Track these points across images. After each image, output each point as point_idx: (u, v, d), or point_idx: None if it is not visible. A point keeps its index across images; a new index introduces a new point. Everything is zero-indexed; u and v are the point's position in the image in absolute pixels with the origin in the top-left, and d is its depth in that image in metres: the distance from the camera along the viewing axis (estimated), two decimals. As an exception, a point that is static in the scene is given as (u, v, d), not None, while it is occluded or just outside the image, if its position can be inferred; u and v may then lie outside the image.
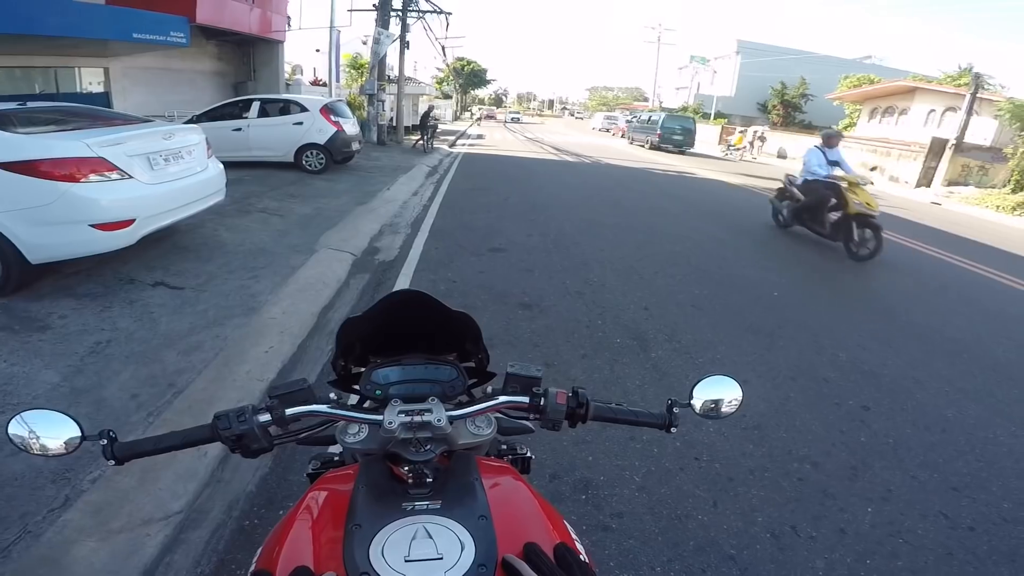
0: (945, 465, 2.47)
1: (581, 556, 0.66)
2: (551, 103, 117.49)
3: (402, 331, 0.99)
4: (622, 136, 29.69)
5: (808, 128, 29.66)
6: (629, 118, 30.25)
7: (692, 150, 22.90)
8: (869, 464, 2.43)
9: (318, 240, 5.16)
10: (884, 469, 2.41)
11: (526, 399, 0.85)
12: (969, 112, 14.70)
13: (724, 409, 0.90)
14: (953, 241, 8.08)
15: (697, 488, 2.19)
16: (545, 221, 7.00)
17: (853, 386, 3.16)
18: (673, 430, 0.87)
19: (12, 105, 4.02)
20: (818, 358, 3.49)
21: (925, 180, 15.35)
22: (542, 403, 0.83)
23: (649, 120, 24.05)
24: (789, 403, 2.91)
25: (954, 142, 14.74)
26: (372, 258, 5.08)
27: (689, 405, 0.90)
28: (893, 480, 2.33)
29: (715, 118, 33.18)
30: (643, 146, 23.77)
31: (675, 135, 21.89)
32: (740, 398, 0.91)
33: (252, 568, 0.69)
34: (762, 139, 23.16)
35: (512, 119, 48.28)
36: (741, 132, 23.81)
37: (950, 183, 14.82)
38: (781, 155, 23.12)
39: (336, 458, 1.07)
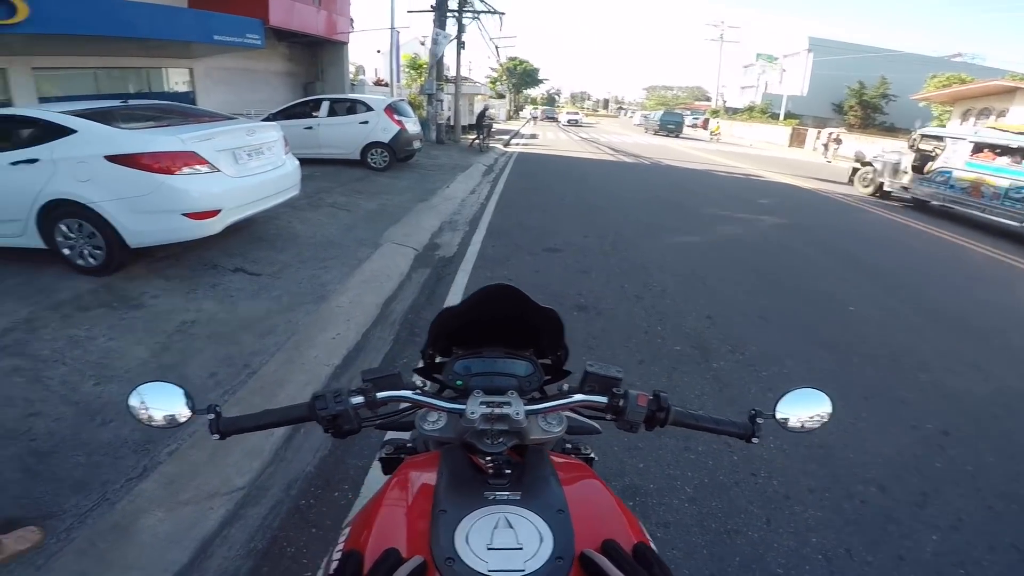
0: (1028, 497, 2.26)
1: (660, 558, 0.65)
2: (606, 103, 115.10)
3: (485, 323, 1.00)
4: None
5: (890, 130, 27.61)
6: (645, 115, 43.44)
7: (682, 136, 32.88)
8: (941, 491, 2.27)
9: (382, 234, 5.35)
10: (958, 497, 2.24)
11: (604, 399, 0.84)
12: (1082, 114, 13.17)
13: (809, 424, 0.87)
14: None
15: (751, 504, 2.11)
16: (602, 223, 6.91)
17: (934, 409, 2.93)
18: (755, 440, 0.85)
19: (116, 102, 4.41)
20: (896, 378, 3.26)
21: (1025, 189, 13.88)
22: (621, 404, 0.83)
23: (653, 117, 36.46)
24: (859, 423, 2.74)
25: (1062, 147, 13.23)
26: (432, 253, 5.20)
27: (773, 416, 0.87)
28: (966, 509, 2.18)
29: (785, 119, 31.55)
30: (652, 133, 34.13)
31: (669, 125, 32.77)
32: (829, 413, 0.87)
33: (340, 548, 0.71)
34: (838, 141, 21.73)
35: (570, 121, 41.36)
36: (717, 122, 32.66)
37: (1056, 193, 13.32)
38: (859, 159, 21.61)
39: (408, 444, 1.10)
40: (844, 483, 2.28)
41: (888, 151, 11.57)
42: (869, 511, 2.13)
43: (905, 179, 10.16)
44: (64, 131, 3.61)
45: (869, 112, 30.30)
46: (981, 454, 2.56)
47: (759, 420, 0.85)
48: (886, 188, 10.78)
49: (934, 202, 9.37)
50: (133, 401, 0.79)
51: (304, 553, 1.76)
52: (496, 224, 6.49)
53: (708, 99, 51.19)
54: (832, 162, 20.57)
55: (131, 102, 4.58)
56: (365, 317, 3.50)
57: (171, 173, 3.59)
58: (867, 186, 11.62)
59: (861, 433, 2.66)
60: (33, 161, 3.58)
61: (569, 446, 1.09)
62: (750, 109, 37.34)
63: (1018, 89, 18.93)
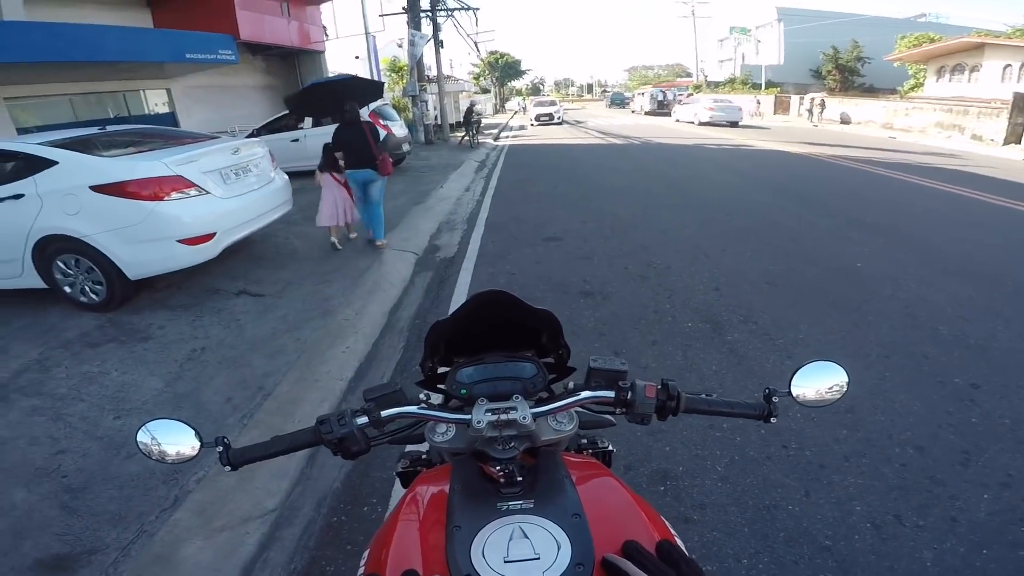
0: (1077, 446, 2.22)
1: (686, 554, 0.63)
2: (590, 87, 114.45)
3: (483, 329, 0.99)
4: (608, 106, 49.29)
5: (870, 91, 27.56)
6: (610, 96, 53.74)
7: (626, 109, 41.47)
8: (983, 448, 2.21)
9: (380, 241, 5.27)
10: (1001, 452, 2.18)
11: (611, 393, 0.82)
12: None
13: (827, 396, 0.85)
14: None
15: (786, 477, 2.08)
16: (598, 207, 6.87)
17: (958, 362, 2.88)
18: (773, 420, 0.83)
19: (94, 130, 4.30)
20: (914, 333, 3.22)
21: (1013, 137, 13.86)
22: (629, 397, 0.81)
23: (609, 96, 51.40)
24: (885, 384, 2.70)
25: (1041, 95, 13.24)
26: (433, 256, 5.17)
27: (789, 393, 0.85)
28: (1013, 464, 2.11)
29: (766, 88, 31.40)
30: (607, 107, 46.59)
31: (617, 101, 46.36)
32: (845, 383, 0.85)
33: (361, 571, 0.71)
34: (821, 105, 21.76)
35: (539, 117, 27.52)
36: (640, 94, 38.34)
37: (1043, 138, 13.34)
38: (845, 120, 21.64)
39: (424, 456, 1.10)
40: (879, 447, 2.23)
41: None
42: (911, 474, 2.08)
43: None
44: (45, 163, 3.52)
45: (847, 76, 30.21)
46: (1016, 406, 2.49)
47: (775, 399, 0.83)
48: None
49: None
50: (142, 437, 0.80)
51: (343, 571, 1.75)
52: (494, 219, 6.45)
53: (689, 75, 50.98)
54: (819, 126, 20.57)
55: (109, 128, 4.47)
56: (373, 327, 3.47)
57: (160, 199, 3.52)
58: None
59: (887, 393, 2.61)
60: (19, 196, 3.50)
61: (585, 441, 1.08)
62: (731, 81, 37.12)
63: (986, 44, 19.04)
